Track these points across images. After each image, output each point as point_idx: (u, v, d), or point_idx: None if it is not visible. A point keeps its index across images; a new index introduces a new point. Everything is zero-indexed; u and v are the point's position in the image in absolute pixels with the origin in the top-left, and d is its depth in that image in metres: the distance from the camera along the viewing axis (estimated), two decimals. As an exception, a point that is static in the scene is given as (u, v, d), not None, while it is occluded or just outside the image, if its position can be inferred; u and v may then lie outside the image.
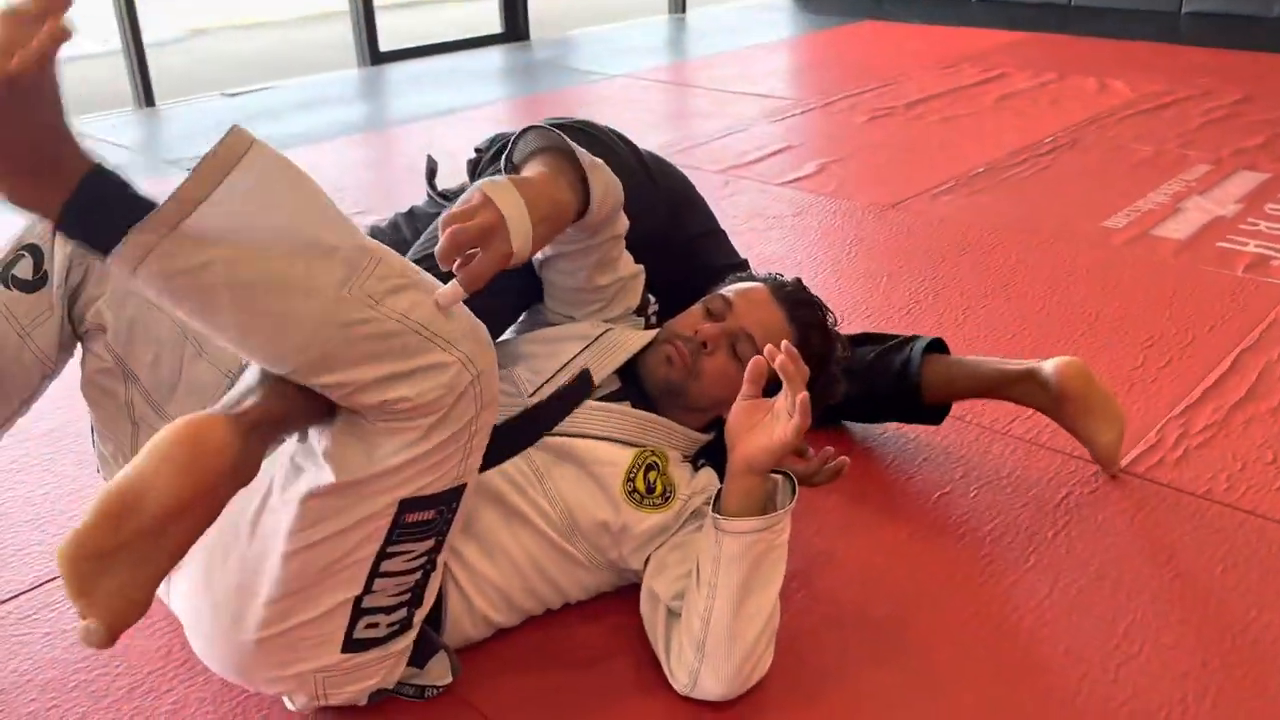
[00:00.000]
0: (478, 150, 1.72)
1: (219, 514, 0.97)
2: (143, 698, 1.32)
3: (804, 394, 1.19)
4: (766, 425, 1.24)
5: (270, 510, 1.10)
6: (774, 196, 3.13)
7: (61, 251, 1.24)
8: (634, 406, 1.41)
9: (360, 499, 1.07)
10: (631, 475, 1.34)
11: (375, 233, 1.75)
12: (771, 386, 1.27)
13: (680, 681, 1.28)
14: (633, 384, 1.44)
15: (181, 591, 1.23)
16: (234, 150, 0.94)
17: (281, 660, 1.17)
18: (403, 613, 1.18)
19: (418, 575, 1.16)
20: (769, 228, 2.92)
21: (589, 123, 1.65)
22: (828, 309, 1.52)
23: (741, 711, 1.28)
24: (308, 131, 3.92)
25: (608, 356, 1.42)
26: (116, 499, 0.91)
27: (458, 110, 4.21)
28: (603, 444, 1.36)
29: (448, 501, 1.12)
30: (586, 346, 1.42)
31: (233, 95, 4.51)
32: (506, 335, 1.57)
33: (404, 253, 1.65)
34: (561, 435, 1.35)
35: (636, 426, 1.39)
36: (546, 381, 1.38)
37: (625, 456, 1.36)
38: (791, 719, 1.28)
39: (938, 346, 1.77)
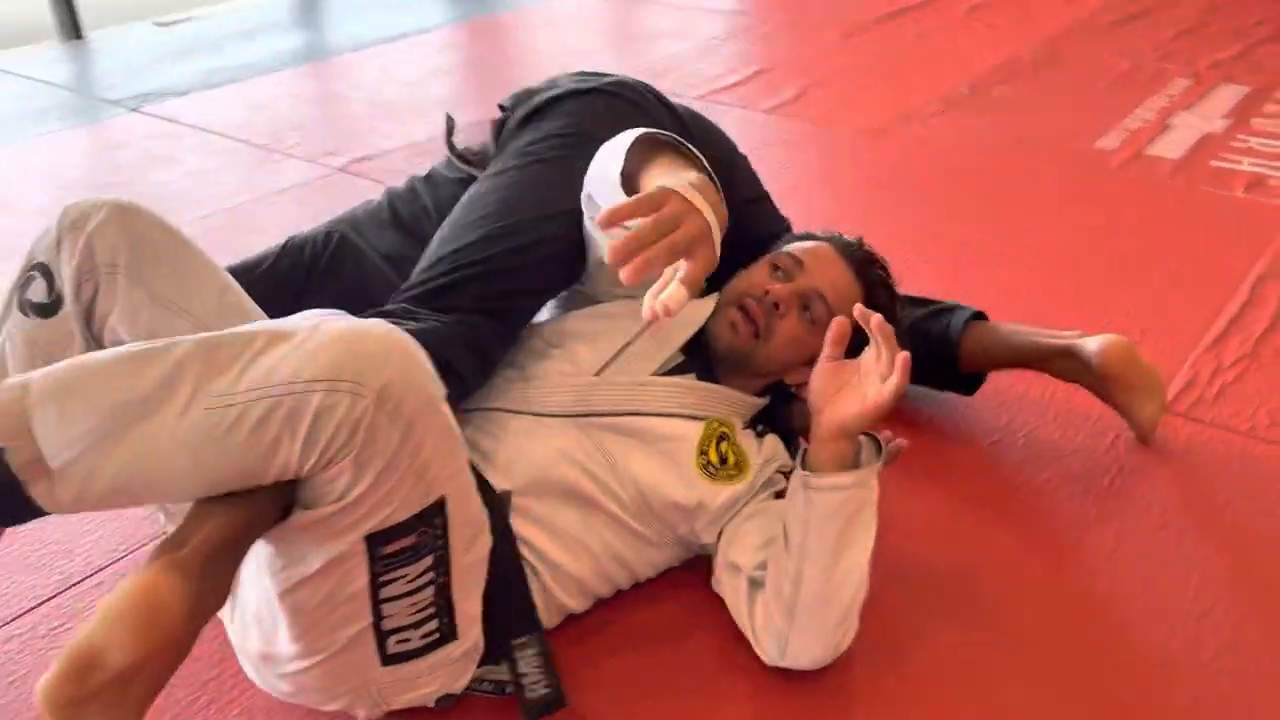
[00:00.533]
0: (503, 108, 1.59)
1: (189, 651, 0.94)
2: (205, 709, 1.25)
3: (904, 354, 1.15)
4: (856, 387, 1.19)
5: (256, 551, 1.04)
6: (759, 125, 3.04)
7: (69, 266, 1.13)
8: (699, 379, 1.35)
9: (320, 543, 1.00)
10: (704, 448, 1.29)
11: (393, 198, 1.62)
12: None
13: (769, 652, 1.24)
14: (696, 355, 1.37)
15: (229, 617, 1.18)
16: (15, 412, 0.93)
17: (327, 685, 1.12)
18: (433, 624, 1.10)
19: (429, 591, 1.08)
20: (759, 159, 2.81)
21: (621, 82, 1.54)
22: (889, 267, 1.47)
23: (829, 679, 1.26)
24: (253, 63, 3.69)
25: (672, 331, 1.35)
26: (79, 656, 0.88)
27: (408, 34, 4.00)
28: (670, 420, 1.30)
29: (428, 520, 1.03)
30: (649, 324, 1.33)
31: (166, 25, 4.23)
32: (551, 314, 1.48)
33: (426, 221, 1.54)
34: (628, 414, 1.29)
35: (702, 399, 1.33)
36: (611, 360, 1.32)
37: (695, 430, 1.30)
38: (881, 684, 1.26)
39: (978, 317, 1.72)
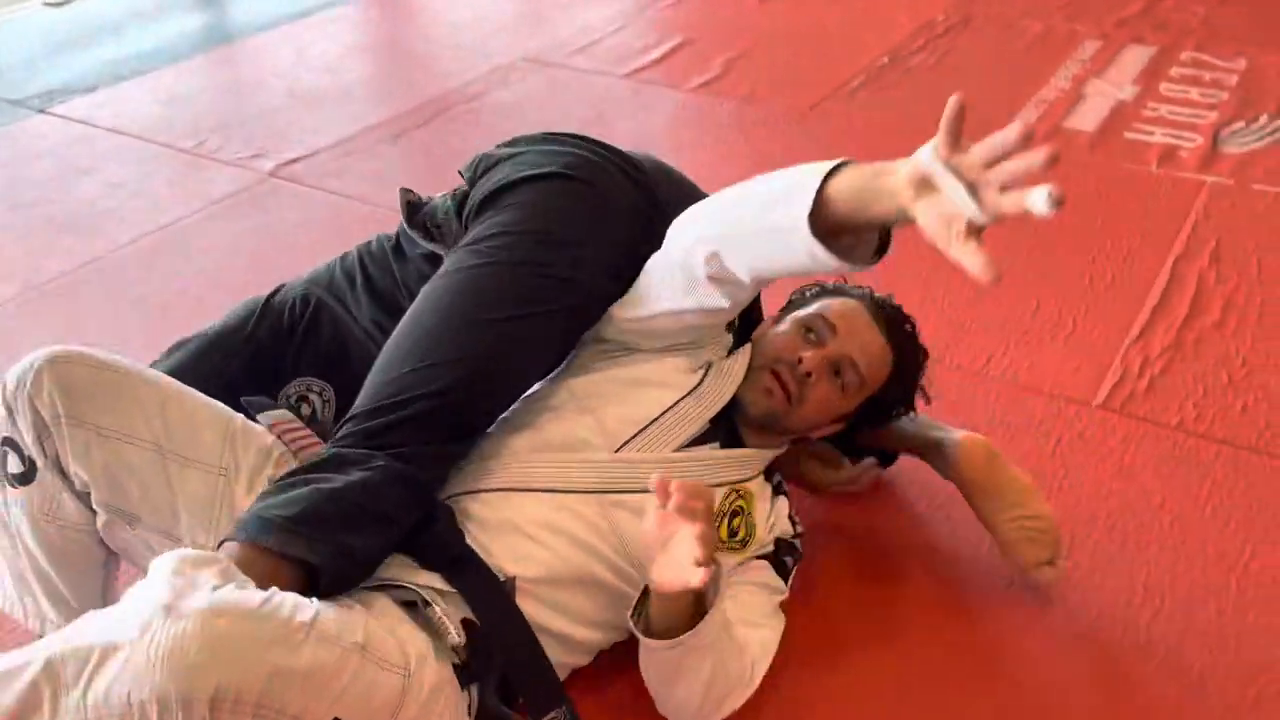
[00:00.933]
0: (464, 177, 1.54)
1: None
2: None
3: (695, 541, 1.13)
4: (676, 551, 1.16)
5: None
6: (688, 106, 3.06)
7: (28, 432, 1.21)
8: (722, 446, 1.39)
9: None
10: (717, 523, 1.33)
11: (365, 260, 1.58)
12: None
13: None
14: (721, 422, 1.40)
15: None
16: None
17: None
18: None
19: None
20: (695, 144, 2.87)
21: (581, 158, 1.48)
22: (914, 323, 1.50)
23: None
24: (159, 48, 3.55)
25: (704, 406, 1.38)
26: None
27: (315, 11, 3.88)
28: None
29: None
30: (685, 395, 1.37)
31: (56, 5, 4.03)
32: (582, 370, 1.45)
33: (400, 296, 1.50)
34: (644, 491, 1.24)
35: (724, 466, 1.37)
36: (638, 432, 1.34)
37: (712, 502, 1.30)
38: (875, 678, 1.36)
39: None
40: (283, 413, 1.38)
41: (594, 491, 1.31)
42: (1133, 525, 1.62)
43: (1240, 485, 1.69)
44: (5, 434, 1.23)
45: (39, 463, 1.22)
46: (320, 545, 1.17)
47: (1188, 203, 2.45)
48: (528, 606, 1.25)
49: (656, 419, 1.36)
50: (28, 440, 1.21)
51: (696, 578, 1.12)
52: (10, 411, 1.22)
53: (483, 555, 1.25)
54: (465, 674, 1.19)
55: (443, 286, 1.39)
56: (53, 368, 1.20)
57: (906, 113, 2.93)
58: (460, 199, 1.50)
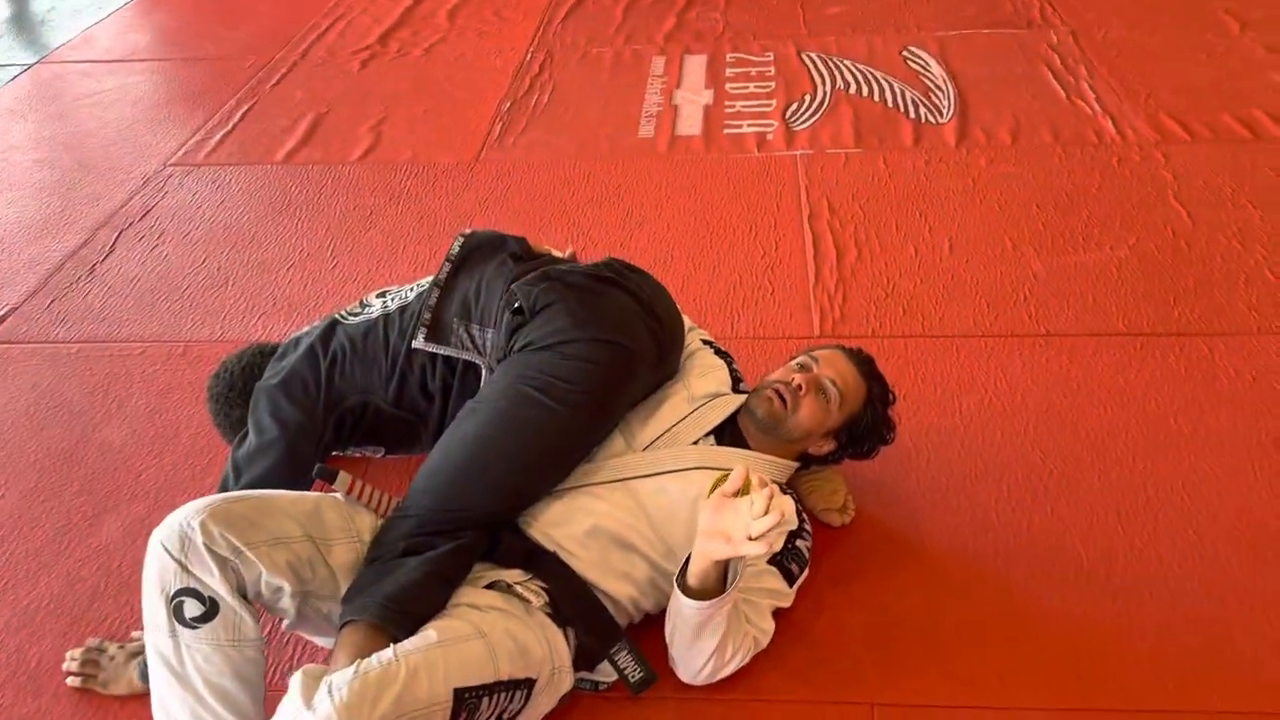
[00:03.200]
0: (516, 305, 1.84)
1: None
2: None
3: (772, 524, 1.50)
4: (729, 528, 1.55)
5: None
6: (365, 178, 3.35)
7: (210, 575, 1.55)
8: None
9: None
10: (714, 489, 1.69)
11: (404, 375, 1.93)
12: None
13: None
14: (724, 436, 1.87)
15: None
16: None
17: None
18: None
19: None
20: (389, 210, 3.18)
21: (619, 324, 1.84)
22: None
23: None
24: None
25: (711, 413, 1.85)
26: None
27: None
28: (696, 472, 1.78)
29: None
30: (697, 408, 1.83)
31: None
32: None
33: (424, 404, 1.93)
34: (661, 474, 1.78)
35: (729, 459, 1.80)
36: (663, 434, 1.81)
37: (711, 476, 1.71)
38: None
39: None
40: (344, 477, 1.75)
41: (616, 480, 1.78)
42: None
43: (926, 362, 2.44)
44: (180, 586, 1.55)
45: (222, 598, 1.55)
46: (407, 621, 1.57)
47: (793, 175, 3.22)
48: (578, 565, 1.71)
49: (677, 423, 1.83)
50: (211, 581, 1.55)
51: (750, 551, 1.52)
52: (183, 566, 1.55)
53: (541, 542, 1.71)
54: (557, 619, 1.65)
55: (514, 415, 1.74)
56: (213, 516, 1.56)
57: (553, 149, 3.46)
58: (515, 325, 1.81)
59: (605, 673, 1.72)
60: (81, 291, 2.95)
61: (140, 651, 1.84)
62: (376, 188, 3.32)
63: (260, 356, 2.07)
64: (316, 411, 1.88)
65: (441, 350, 1.88)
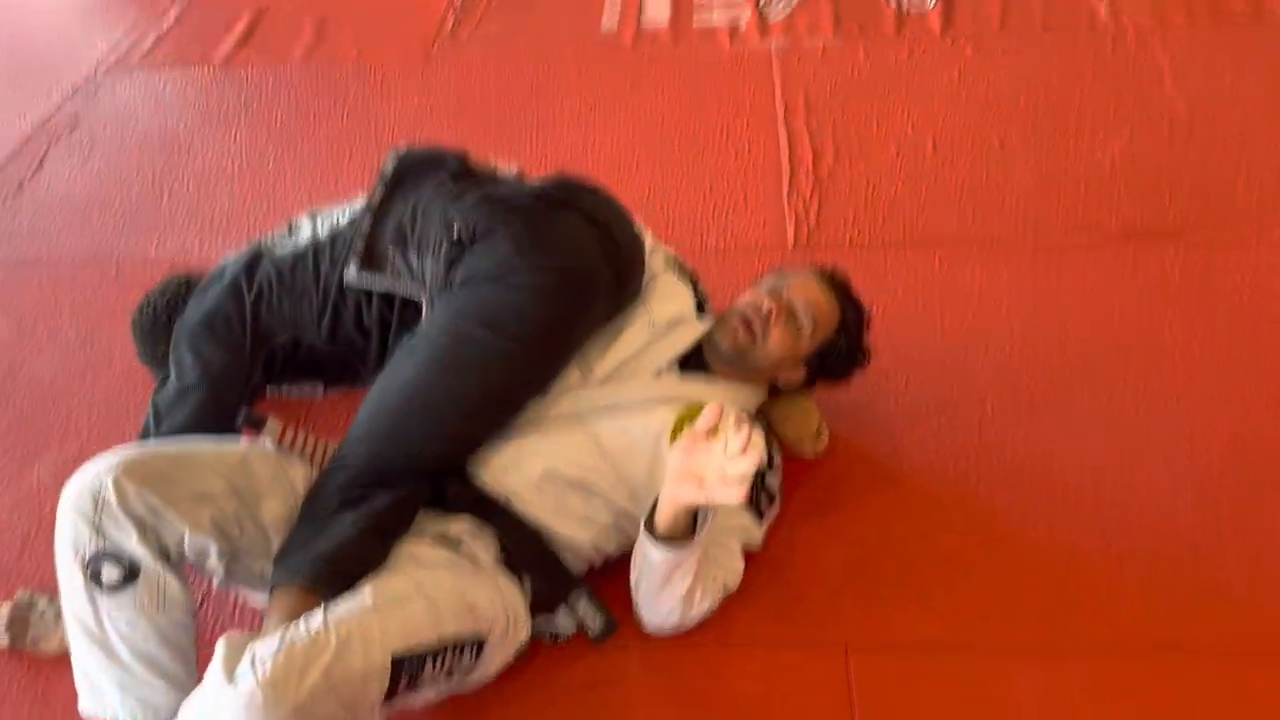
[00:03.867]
0: (460, 230, 1.65)
1: None
2: None
3: (749, 468, 1.37)
4: (701, 470, 1.42)
5: None
6: (311, 76, 3.13)
7: (128, 538, 1.43)
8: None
9: None
10: (679, 428, 1.61)
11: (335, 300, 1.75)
12: None
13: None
14: (689, 366, 1.73)
15: None
16: None
17: None
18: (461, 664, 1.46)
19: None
20: (333, 113, 2.97)
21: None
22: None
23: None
24: None
25: (674, 341, 1.71)
26: None
27: None
28: (654, 406, 1.65)
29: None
30: (659, 336, 1.70)
31: None
32: None
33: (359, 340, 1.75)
34: (617, 406, 1.65)
35: (689, 389, 1.69)
36: (621, 364, 1.67)
37: (675, 410, 1.64)
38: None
39: None
40: (274, 424, 1.65)
41: (572, 414, 1.64)
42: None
43: (906, 274, 2.30)
44: (95, 550, 1.43)
45: (142, 560, 1.44)
46: (342, 582, 1.44)
47: (767, 70, 3.01)
48: (532, 511, 1.59)
49: (633, 355, 1.68)
50: (128, 544, 1.43)
51: (734, 497, 1.39)
52: (97, 528, 1.43)
53: (491, 488, 1.59)
54: (510, 567, 1.55)
55: (457, 353, 1.59)
56: (127, 472, 1.43)
57: (508, 45, 3.22)
58: (454, 256, 1.63)
59: (564, 624, 1.62)
60: (10, 211, 2.75)
61: None
62: (320, 90, 3.09)
63: (185, 288, 1.91)
64: (243, 351, 1.72)
65: (377, 282, 1.71)
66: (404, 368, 1.60)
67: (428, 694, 1.47)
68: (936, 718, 1.56)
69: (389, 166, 1.79)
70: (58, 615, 1.73)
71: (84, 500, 1.43)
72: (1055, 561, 1.74)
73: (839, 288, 1.85)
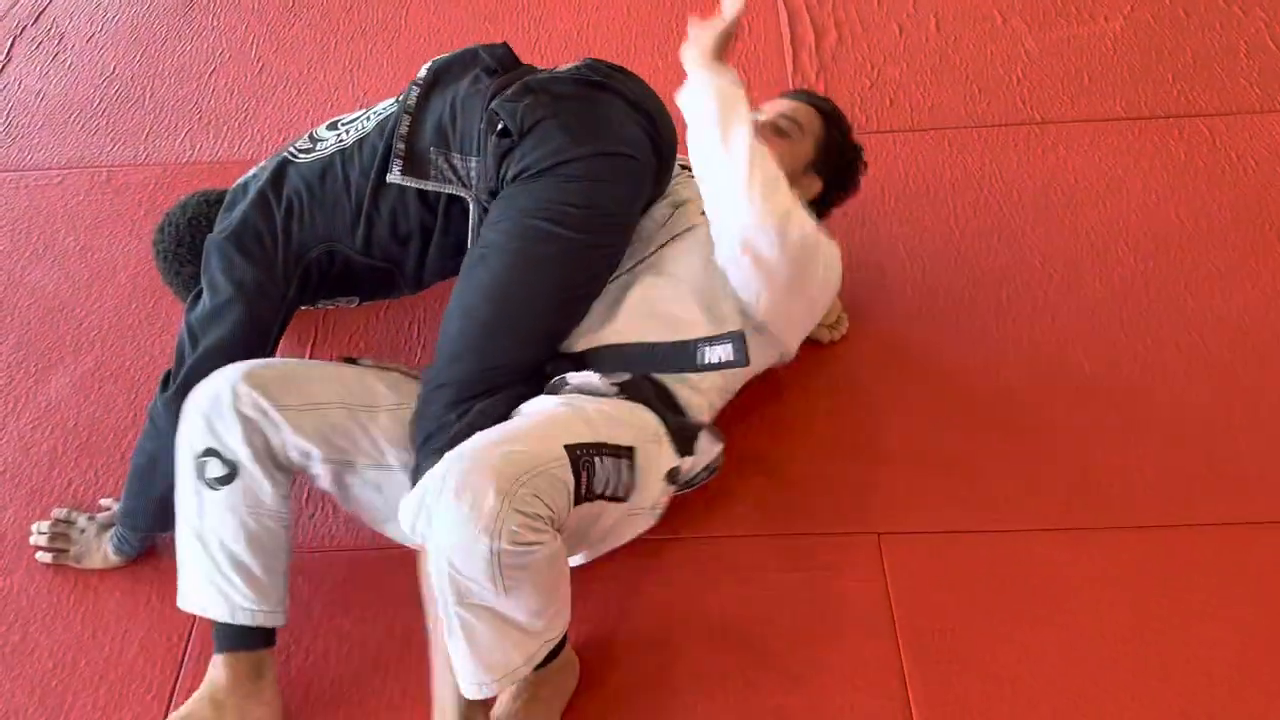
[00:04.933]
0: (509, 125, 1.61)
1: None
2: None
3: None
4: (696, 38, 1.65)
5: None
6: None
7: (233, 437, 1.51)
8: None
9: None
10: None
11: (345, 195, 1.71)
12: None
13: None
14: None
15: None
16: None
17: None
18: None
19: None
20: (326, 8, 2.84)
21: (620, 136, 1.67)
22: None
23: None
24: None
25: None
26: None
27: None
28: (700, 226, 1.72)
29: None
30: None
31: None
32: None
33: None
34: (675, 237, 1.75)
35: None
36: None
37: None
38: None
39: None
40: (366, 362, 1.72)
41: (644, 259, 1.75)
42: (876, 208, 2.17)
43: (916, 160, 2.29)
44: (206, 446, 1.52)
45: (243, 461, 1.52)
46: None
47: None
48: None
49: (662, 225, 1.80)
50: (232, 442, 1.52)
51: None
52: (209, 425, 1.52)
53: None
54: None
55: (531, 254, 1.58)
56: (247, 378, 1.54)
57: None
58: (503, 150, 1.60)
59: (699, 459, 1.64)
60: (-20, 112, 2.65)
61: (113, 523, 1.75)
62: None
63: (206, 205, 1.86)
64: (275, 267, 1.68)
65: (421, 184, 1.67)
66: (479, 278, 1.59)
67: (604, 521, 1.51)
68: (967, 595, 1.63)
69: (423, 72, 1.74)
70: (99, 530, 1.75)
71: (203, 401, 1.53)
72: (1074, 446, 1.80)
73: (803, 94, 1.93)
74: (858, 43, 2.59)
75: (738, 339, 1.60)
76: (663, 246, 1.74)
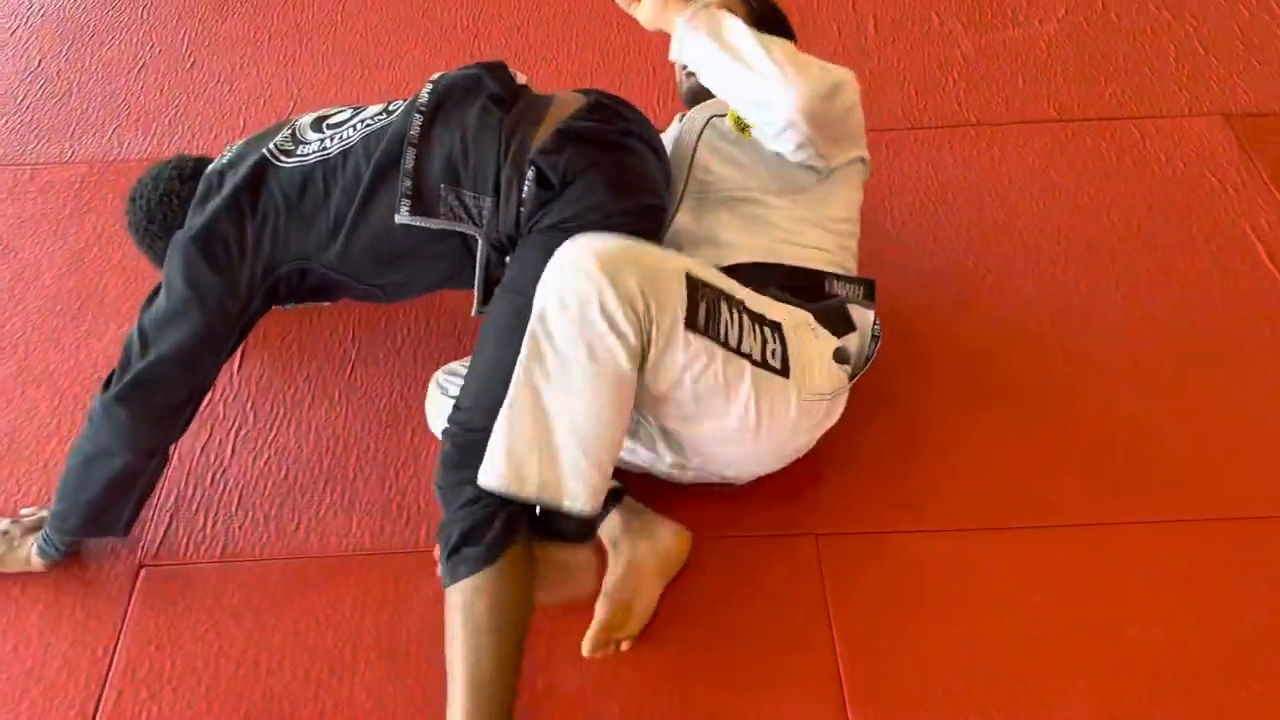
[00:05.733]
0: (542, 177, 1.58)
1: None
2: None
3: None
4: None
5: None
6: None
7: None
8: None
9: None
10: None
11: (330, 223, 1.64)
12: None
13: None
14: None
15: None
16: None
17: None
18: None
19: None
20: (258, 2, 2.79)
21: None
22: None
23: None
24: None
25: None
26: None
27: None
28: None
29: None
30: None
31: None
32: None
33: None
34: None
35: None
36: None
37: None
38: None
39: None
40: None
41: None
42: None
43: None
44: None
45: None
46: None
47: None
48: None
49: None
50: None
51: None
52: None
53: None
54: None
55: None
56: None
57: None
58: (542, 200, 1.56)
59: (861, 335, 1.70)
60: (-104, 105, 2.57)
61: (39, 527, 1.70)
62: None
63: (179, 182, 1.76)
64: (240, 279, 1.61)
65: (431, 224, 1.60)
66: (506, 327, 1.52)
67: (772, 400, 1.51)
68: (902, 594, 1.64)
69: (425, 95, 1.67)
70: (24, 532, 1.70)
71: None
72: (1006, 444, 1.81)
73: None
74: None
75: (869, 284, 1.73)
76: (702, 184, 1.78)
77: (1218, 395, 1.86)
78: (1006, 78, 2.50)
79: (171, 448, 1.69)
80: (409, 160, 1.60)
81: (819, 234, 1.75)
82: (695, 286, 1.45)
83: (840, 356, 1.63)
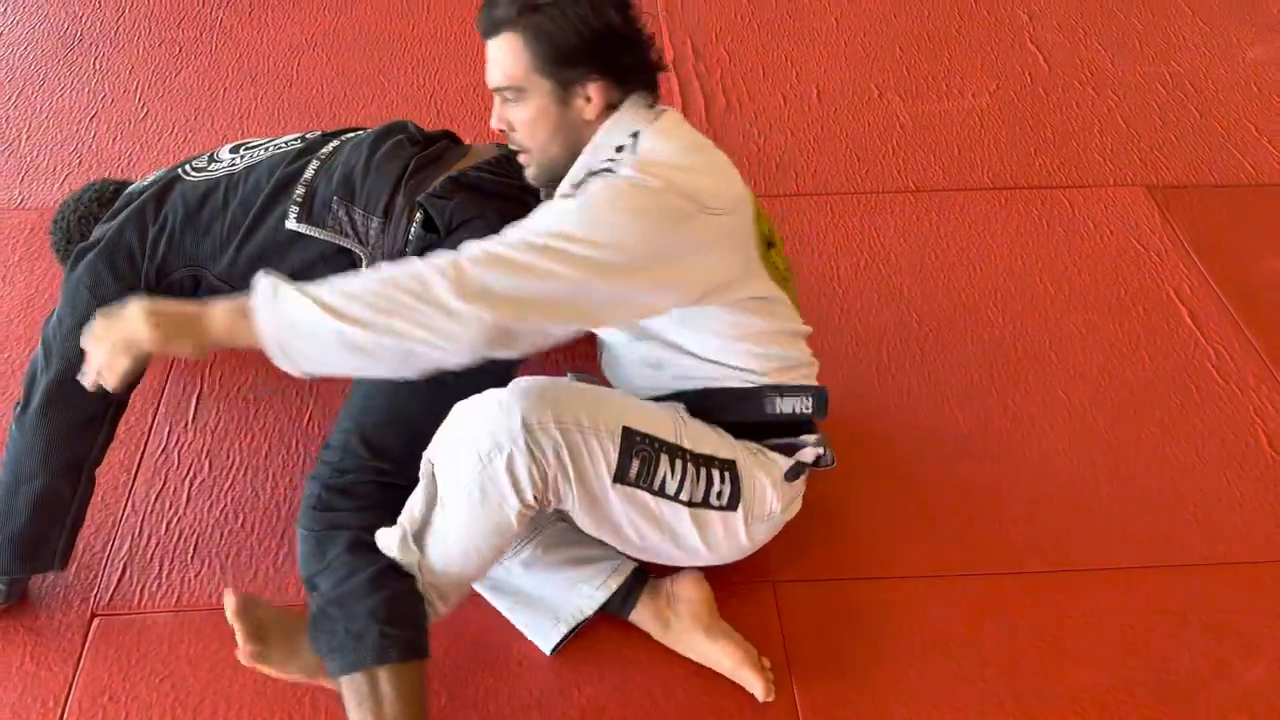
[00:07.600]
0: (435, 219, 1.60)
1: None
2: None
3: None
4: None
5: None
6: (166, 12, 2.94)
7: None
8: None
9: None
10: None
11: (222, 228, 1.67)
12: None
13: None
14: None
15: None
16: None
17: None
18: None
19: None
20: (214, 56, 2.81)
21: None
22: None
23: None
24: None
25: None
26: None
27: None
28: None
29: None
30: None
31: None
32: None
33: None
34: None
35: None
36: None
37: None
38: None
39: None
40: None
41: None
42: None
43: (801, 223, 2.40)
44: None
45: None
46: None
47: (652, 9, 3.03)
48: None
49: None
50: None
51: None
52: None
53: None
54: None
55: None
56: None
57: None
58: (426, 244, 1.56)
59: (804, 454, 1.64)
60: None
61: None
62: (184, 18, 2.94)
63: (98, 205, 1.82)
64: (138, 285, 1.63)
65: (315, 233, 1.66)
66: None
67: (715, 529, 1.54)
68: (857, 639, 1.68)
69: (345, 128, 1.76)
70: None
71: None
72: (952, 496, 1.88)
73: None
74: (745, 109, 2.70)
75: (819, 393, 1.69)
76: None
77: (1148, 448, 1.96)
78: (943, 146, 2.62)
79: (95, 470, 1.68)
80: (309, 170, 1.67)
81: (739, 353, 1.61)
82: (632, 440, 1.44)
83: (793, 474, 1.63)
